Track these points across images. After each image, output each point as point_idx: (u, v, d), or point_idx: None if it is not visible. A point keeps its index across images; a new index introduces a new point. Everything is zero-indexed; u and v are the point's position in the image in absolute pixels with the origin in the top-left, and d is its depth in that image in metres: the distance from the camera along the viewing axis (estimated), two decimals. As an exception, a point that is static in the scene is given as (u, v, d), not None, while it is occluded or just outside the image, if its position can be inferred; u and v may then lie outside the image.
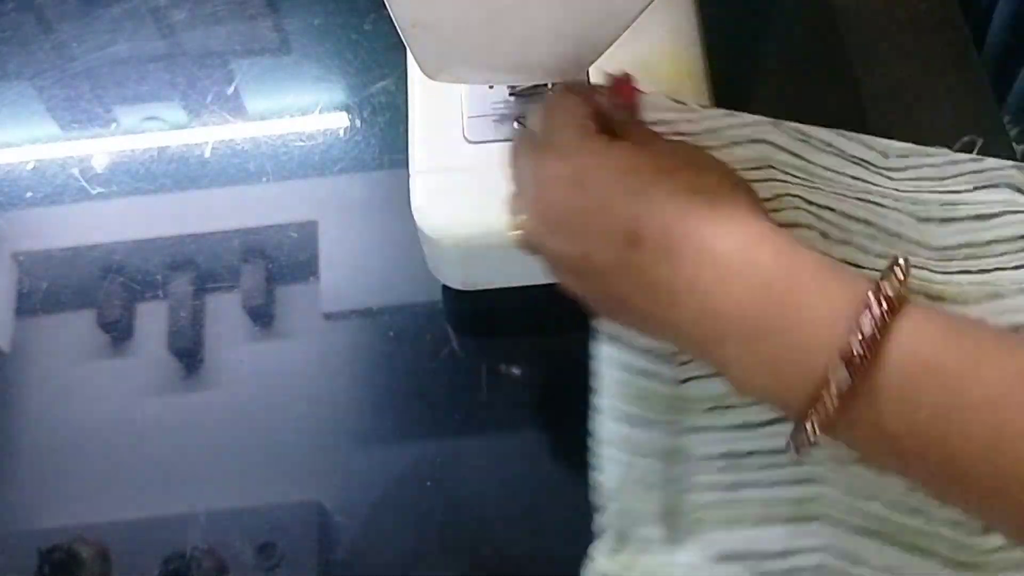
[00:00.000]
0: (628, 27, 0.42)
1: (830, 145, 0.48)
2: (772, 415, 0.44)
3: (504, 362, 0.54)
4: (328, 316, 0.56)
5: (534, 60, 0.44)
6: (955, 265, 0.46)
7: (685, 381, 0.45)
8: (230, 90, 0.63)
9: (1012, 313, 0.45)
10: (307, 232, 0.58)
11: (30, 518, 0.51)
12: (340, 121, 0.61)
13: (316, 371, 0.54)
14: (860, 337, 0.33)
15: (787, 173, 0.46)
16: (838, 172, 0.48)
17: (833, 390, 0.33)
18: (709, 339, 0.36)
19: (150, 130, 0.62)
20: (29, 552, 0.50)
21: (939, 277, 0.46)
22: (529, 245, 0.42)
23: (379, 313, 0.55)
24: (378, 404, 0.53)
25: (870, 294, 0.33)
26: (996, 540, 0.43)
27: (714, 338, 0.36)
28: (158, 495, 0.51)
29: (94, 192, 0.60)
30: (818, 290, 0.35)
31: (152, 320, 0.56)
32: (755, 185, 0.41)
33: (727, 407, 0.45)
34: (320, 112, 0.62)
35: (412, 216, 0.51)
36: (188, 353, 0.55)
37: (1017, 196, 0.48)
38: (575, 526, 0.49)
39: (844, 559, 0.43)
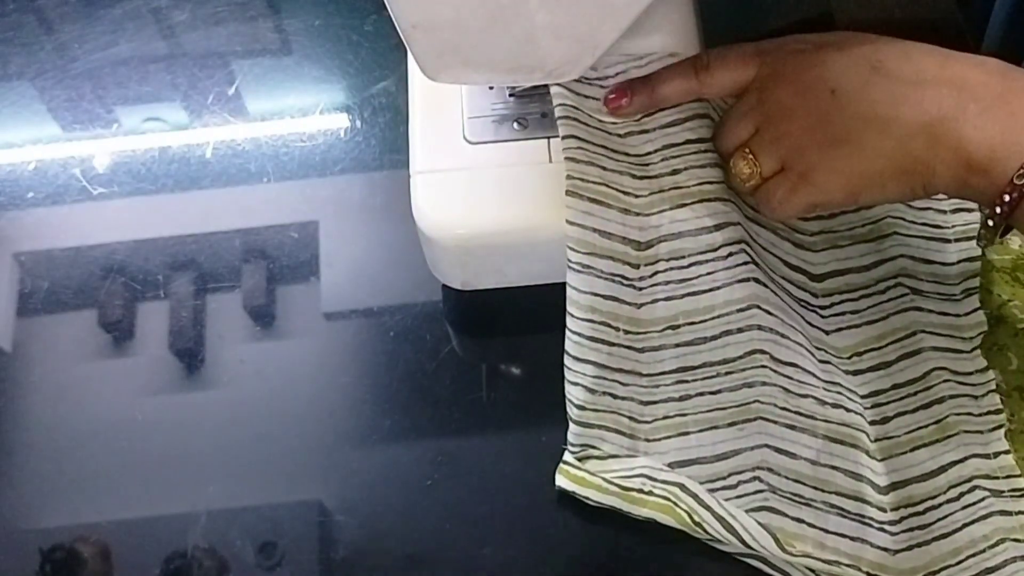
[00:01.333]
0: (628, 27, 0.42)
1: None
2: (724, 329, 0.49)
3: (504, 362, 0.54)
4: (329, 316, 0.56)
5: (534, 60, 0.44)
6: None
7: (641, 305, 0.49)
8: (231, 91, 0.63)
9: None
10: (308, 232, 0.58)
11: (31, 517, 0.51)
12: (341, 122, 0.61)
13: (316, 371, 0.54)
14: None
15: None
16: None
17: None
18: (949, 115, 0.42)
19: (151, 131, 0.62)
20: (30, 551, 0.50)
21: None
22: (764, 85, 0.48)
23: (379, 313, 0.56)
24: (378, 404, 0.53)
25: None
26: (874, 431, 0.48)
27: (956, 109, 0.42)
28: (159, 494, 0.51)
29: (95, 192, 0.60)
30: None
31: (153, 320, 0.56)
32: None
33: (680, 326, 0.50)
34: (321, 113, 0.62)
35: (412, 216, 0.51)
36: (189, 353, 0.55)
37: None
38: (576, 526, 0.49)
39: (780, 454, 0.48)
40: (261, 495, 0.51)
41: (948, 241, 0.53)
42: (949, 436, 0.49)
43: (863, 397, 0.49)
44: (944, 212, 0.54)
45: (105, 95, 0.63)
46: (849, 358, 0.50)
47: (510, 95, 0.52)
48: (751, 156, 0.48)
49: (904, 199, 0.46)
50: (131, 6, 0.66)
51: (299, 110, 0.62)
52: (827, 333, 0.50)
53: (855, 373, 0.50)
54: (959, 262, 0.53)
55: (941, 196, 0.53)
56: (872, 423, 0.48)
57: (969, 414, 0.49)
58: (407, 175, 0.51)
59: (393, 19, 0.40)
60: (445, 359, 0.52)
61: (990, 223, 0.43)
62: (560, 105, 0.50)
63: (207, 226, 0.59)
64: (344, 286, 0.57)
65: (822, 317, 0.50)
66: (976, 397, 0.50)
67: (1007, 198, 0.41)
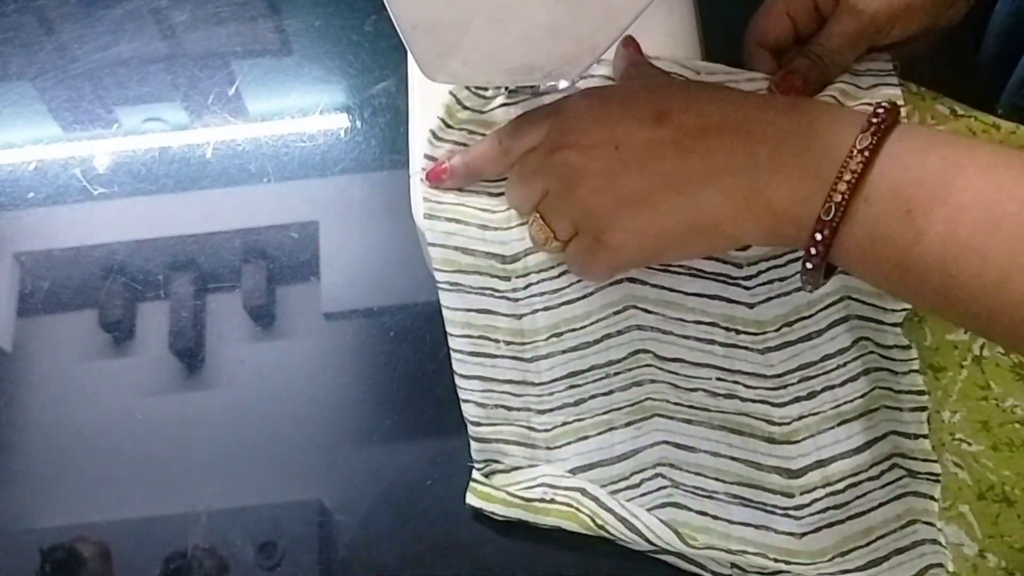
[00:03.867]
0: (628, 28, 0.42)
1: None
2: (605, 332, 0.49)
3: (504, 362, 0.54)
4: (329, 316, 0.56)
5: (534, 61, 0.44)
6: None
7: (522, 316, 0.49)
8: (231, 91, 0.63)
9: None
10: (308, 232, 0.58)
11: (32, 517, 0.51)
12: (341, 122, 0.62)
13: (316, 371, 0.54)
14: (867, 132, 0.38)
15: None
16: None
17: (852, 166, 0.38)
18: (739, 163, 0.41)
19: (152, 131, 0.62)
20: (31, 551, 0.50)
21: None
22: (550, 147, 0.45)
23: (379, 313, 0.56)
24: (378, 404, 0.53)
25: (876, 109, 0.39)
26: (797, 409, 0.48)
27: (745, 156, 0.41)
28: (159, 494, 0.51)
29: (96, 192, 0.60)
30: (829, 109, 0.42)
31: (153, 320, 0.56)
32: None
33: (563, 333, 0.49)
34: (321, 113, 0.62)
35: (412, 216, 0.51)
36: (189, 353, 0.55)
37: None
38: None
39: (680, 449, 0.48)
40: (261, 495, 0.51)
41: None
42: (872, 411, 0.47)
43: (790, 372, 0.48)
44: None
45: (105, 95, 0.63)
46: (778, 330, 0.49)
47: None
48: (541, 220, 0.46)
49: (713, 253, 0.43)
50: (131, 6, 0.66)
51: (299, 110, 0.62)
52: (751, 307, 0.49)
53: (782, 347, 0.48)
54: None
55: None
56: (797, 399, 0.48)
57: (889, 389, 0.48)
58: (407, 175, 0.51)
59: (393, 19, 0.40)
60: (445, 359, 0.52)
61: (809, 266, 0.40)
62: (440, 117, 0.51)
63: (207, 226, 0.59)
64: (344, 286, 0.57)
65: (746, 290, 0.49)
66: (896, 373, 0.48)
67: (819, 236, 0.39)
